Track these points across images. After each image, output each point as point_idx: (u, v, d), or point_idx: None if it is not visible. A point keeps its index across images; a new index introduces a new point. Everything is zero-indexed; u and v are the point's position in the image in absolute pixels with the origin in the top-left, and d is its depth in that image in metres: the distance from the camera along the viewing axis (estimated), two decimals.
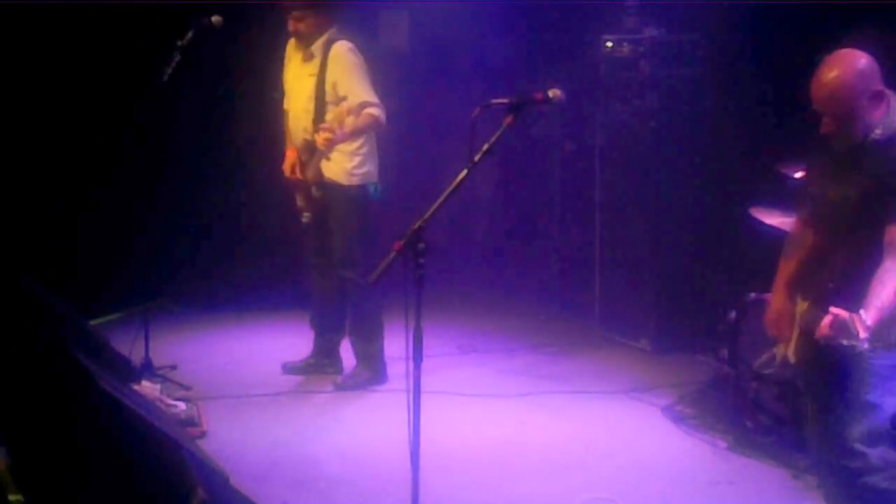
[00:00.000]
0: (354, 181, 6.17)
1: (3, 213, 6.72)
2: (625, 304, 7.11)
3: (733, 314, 5.68)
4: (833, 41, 4.02)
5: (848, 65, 3.88)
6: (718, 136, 6.84)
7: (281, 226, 7.30)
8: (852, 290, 3.79)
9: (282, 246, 7.56)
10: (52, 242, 6.97)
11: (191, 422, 5.67)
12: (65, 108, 7.09)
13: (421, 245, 3.90)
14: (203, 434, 5.61)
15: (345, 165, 6.15)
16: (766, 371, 5.27)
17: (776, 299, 4.27)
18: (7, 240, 6.40)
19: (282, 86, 6.34)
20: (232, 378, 6.48)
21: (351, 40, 6.12)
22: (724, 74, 6.85)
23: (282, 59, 6.35)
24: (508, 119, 4.07)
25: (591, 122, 7.29)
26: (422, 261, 3.90)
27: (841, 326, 3.57)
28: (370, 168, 6.23)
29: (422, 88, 8.13)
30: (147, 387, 5.88)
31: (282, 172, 6.31)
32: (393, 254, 3.91)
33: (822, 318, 3.66)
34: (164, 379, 6.25)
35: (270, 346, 7.01)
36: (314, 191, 6.20)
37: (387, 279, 3.92)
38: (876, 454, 3.95)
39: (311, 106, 6.13)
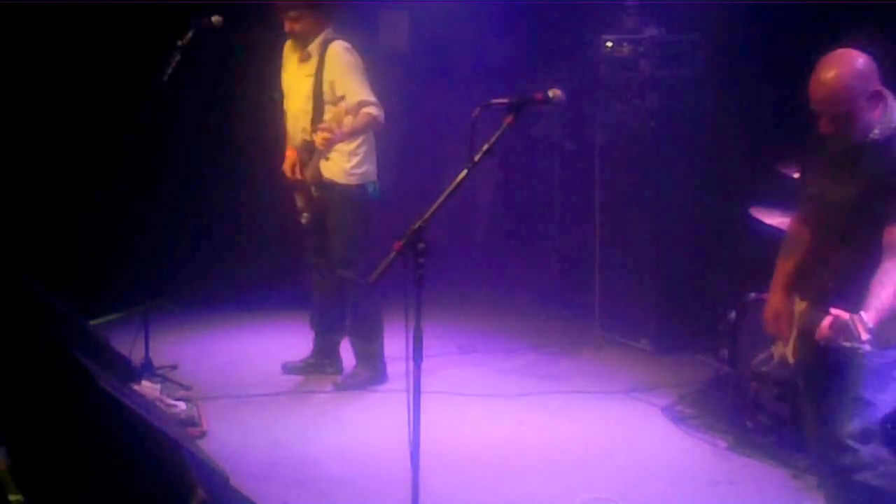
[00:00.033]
0: (353, 180, 6.17)
1: (3, 213, 6.72)
2: (625, 304, 7.10)
3: (733, 314, 5.68)
4: (833, 41, 4.02)
5: (846, 65, 3.88)
6: (718, 136, 6.84)
7: (281, 226, 7.30)
8: (851, 291, 3.79)
9: (282, 246, 7.57)
10: (52, 242, 6.97)
11: (191, 422, 5.67)
12: (65, 107, 7.09)
13: (421, 245, 3.90)
14: (203, 434, 5.61)
15: (343, 165, 6.15)
16: (763, 369, 5.27)
17: (774, 297, 4.27)
18: (7, 240, 6.40)
19: (280, 87, 6.34)
20: (232, 378, 6.48)
21: (347, 40, 6.12)
22: (724, 74, 6.85)
23: (281, 59, 6.35)
24: (508, 119, 4.07)
25: (591, 122, 7.29)
26: (422, 261, 3.90)
27: (842, 328, 3.57)
28: (369, 167, 6.23)
29: (422, 88, 8.13)
30: (147, 387, 5.88)
31: (282, 173, 6.31)
32: (393, 254, 3.91)
33: (821, 319, 3.66)
34: (164, 379, 6.24)
35: (270, 346, 7.01)
36: (313, 191, 6.20)
37: (387, 279, 3.92)
38: (867, 451, 3.95)
39: (310, 106, 6.13)
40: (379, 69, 6.27)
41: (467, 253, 8.47)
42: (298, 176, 6.22)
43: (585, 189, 7.50)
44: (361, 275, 5.99)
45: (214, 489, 3.67)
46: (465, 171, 3.98)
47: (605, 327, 7.24)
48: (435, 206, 3.96)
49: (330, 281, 6.39)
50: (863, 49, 3.94)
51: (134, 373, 5.81)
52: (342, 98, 6.03)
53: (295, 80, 6.23)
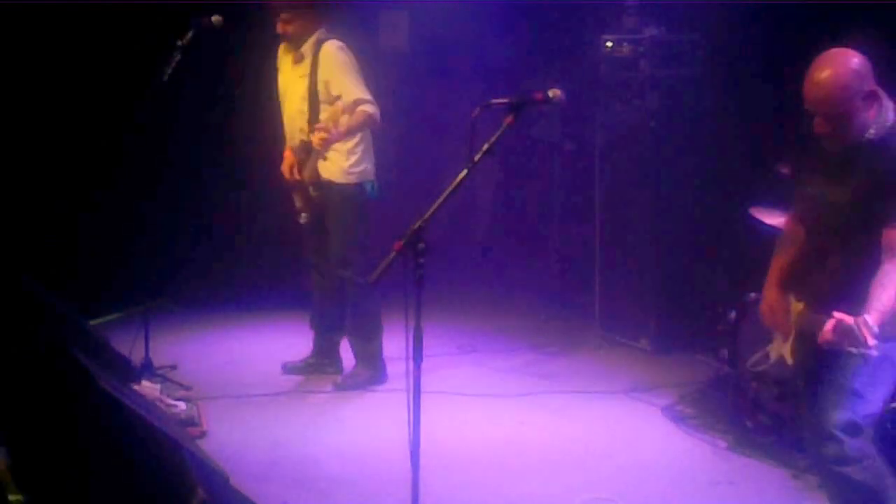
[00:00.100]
0: (351, 179, 6.18)
1: (3, 213, 6.72)
2: (625, 304, 7.10)
3: (733, 314, 5.68)
4: (833, 41, 4.01)
5: (841, 64, 3.86)
6: (718, 136, 6.84)
7: (281, 226, 7.29)
8: (848, 292, 3.78)
9: (281, 246, 7.56)
10: (52, 242, 6.97)
11: (191, 422, 5.67)
12: (65, 107, 7.09)
13: (421, 245, 3.90)
14: (203, 434, 5.61)
15: (341, 164, 6.15)
16: (759, 368, 5.26)
17: (769, 293, 4.24)
18: (7, 240, 6.40)
19: (276, 89, 6.34)
20: (232, 378, 6.48)
21: (340, 39, 6.13)
22: (724, 74, 6.85)
23: (275, 61, 6.34)
24: (508, 119, 4.07)
25: (591, 122, 7.29)
26: (422, 261, 3.91)
27: (846, 332, 3.54)
28: (367, 166, 6.23)
29: (421, 88, 8.13)
30: (147, 387, 5.88)
31: (281, 174, 6.31)
32: (393, 254, 3.91)
33: (821, 322, 3.64)
34: (164, 379, 6.25)
35: (270, 346, 7.01)
36: (312, 191, 6.20)
37: (387, 279, 3.92)
38: (854, 444, 3.92)
39: (305, 107, 6.13)
40: (379, 69, 6.27)
41: (467, 253, 8.46)
42: (296, 176, 6.23)
43: (585, 189, 7.51)
44: (361, 274, 5.99)
45: (214, 489, 3.66)
46: (465, 171, 3.98)
47: (605, 327, 7.24)
48: (435, 206, 3.96)
49: (330, 281, 6.39)
50: (861, 49, 3.92)
51: (134, 373, 5.81)
52: (338, 97, 6.03)
53: (290, 81, 6.24)
